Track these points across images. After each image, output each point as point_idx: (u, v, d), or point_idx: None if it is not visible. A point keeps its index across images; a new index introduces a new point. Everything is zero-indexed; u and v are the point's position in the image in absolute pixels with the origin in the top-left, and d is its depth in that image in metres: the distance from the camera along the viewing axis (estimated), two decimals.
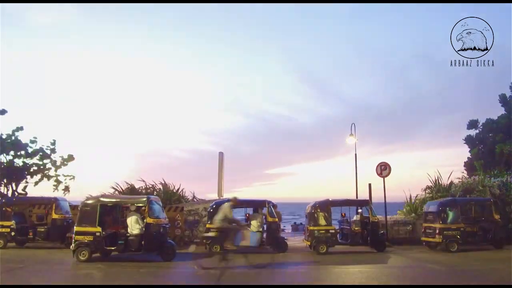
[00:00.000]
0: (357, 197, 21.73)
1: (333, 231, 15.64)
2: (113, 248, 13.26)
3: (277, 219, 15.88)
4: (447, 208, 16.16)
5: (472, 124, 28.33)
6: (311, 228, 15.69)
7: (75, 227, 13.27)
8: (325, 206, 16.00)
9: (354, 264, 13.01)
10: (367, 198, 19.24)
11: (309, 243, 15.79)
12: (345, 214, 17.62)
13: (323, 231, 15.52)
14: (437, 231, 15.69)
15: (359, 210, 17.53)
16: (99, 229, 13.05)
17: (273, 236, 15.79)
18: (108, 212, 14.45)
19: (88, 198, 14.41)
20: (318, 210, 15.88)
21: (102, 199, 14.06)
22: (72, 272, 11.52)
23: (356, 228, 16.44)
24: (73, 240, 13.03)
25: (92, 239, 12.86)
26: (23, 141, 22.65)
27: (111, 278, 10.65)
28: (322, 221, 15.70)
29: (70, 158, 23.59)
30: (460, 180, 20.71)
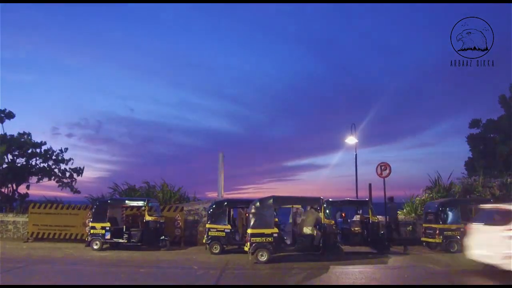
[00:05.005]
0: (357, 197, 21.81)
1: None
2: (120, 240, 16.15)
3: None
4: (447, 209, 16.18)
5: (475, 123, 28.34)
6: None
7: (90, 223, 16.30)
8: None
9: (354, 265, 13.02)
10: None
11: None
12: (345, 214, 17.61)
13: None
14: (437, 232, 15.72)
15: (359, 211, 17.47)
16: (108, 224, 16.12)
17: None
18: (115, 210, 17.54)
19: (100, 199, 17.51)
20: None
21: (110, 201, 17.40)
22: (72, 271, 11.55)
23: (356, 229, 16.41)
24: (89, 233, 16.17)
25: (104, 232, 15.96)
26: (30, 143, 22.74)
27: (111, 277, 10.63)
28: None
29: (79, 171, 23.74)
30: (460, 180, 20.77)
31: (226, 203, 16.30)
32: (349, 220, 17.31)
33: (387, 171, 19.49)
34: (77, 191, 23.21)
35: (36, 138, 23.05)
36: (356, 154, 22.98)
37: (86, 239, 16.54)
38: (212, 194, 21.14)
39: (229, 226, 15.58)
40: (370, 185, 21.86)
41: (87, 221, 17.00)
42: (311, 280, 10.86)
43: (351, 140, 23.16)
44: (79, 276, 10.93)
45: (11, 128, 23.50)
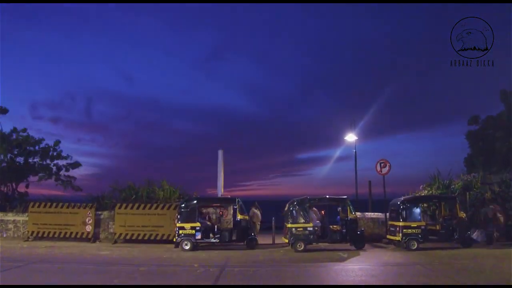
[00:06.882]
0: (356, 195, 21.79)
1: (311, 228, 15.80)
2: None
3: (247, 217, 16.36)
4: (408, 206, 16.18)
5: (474, 120, 27.60)
6: (289, 225, 15.97)
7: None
8: (303, 203, 16.20)
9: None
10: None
11: (287, 240, 16.03)
12: (324, 211, 17.67)
13: (301, 229, 15.75)
14: (398, 229, 15.60)
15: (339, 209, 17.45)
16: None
17: (243, 233, 16.37)
18: None
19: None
20: (297, 208, 16.12)
21: None
22: (72, 269, 11.83)
23: (334, 226, 16.51)
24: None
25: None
26: (27, 141, 23.14)
27: (111, 277, 10.54)
28: (300, 219, 15.92)
29: (76, 165, 24.53)
30: (460, 177, 20.31)
31: (195, 201, 16.90)
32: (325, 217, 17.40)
33: (387, 168, 19.67)
34: (79, 189, 23.88)
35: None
36: (355, 152, 22.95)
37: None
38: (213, 191, 21.57)
39: (198, 224, 16.20)
40: (370, 182, 21.87)
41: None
42: (310, 277, 10.94)
43: (350, 137, 23.11)
44: (78, 275, 10.97)
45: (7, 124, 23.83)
